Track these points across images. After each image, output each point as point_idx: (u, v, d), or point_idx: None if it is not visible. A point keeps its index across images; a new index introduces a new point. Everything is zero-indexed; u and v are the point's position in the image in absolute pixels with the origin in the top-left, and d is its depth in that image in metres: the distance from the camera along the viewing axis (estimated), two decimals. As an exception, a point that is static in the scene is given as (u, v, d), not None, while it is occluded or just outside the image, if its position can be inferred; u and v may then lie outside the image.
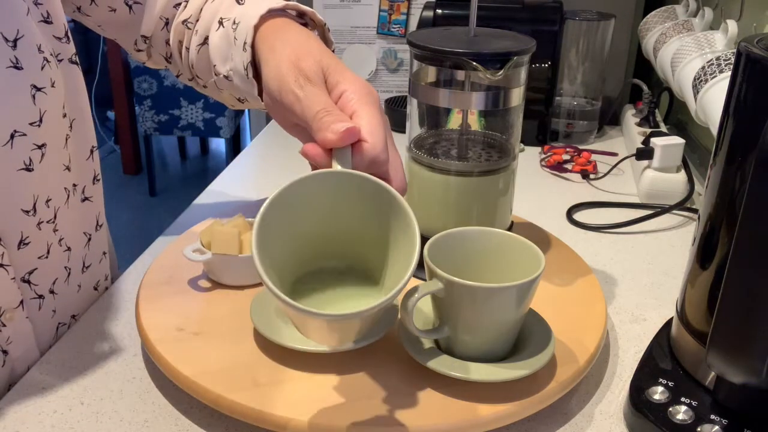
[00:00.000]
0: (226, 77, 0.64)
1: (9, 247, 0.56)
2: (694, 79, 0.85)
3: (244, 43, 0.60)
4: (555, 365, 0.56)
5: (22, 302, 0.58)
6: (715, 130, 0.68)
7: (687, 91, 0.90)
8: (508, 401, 0.52)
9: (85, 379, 0.58)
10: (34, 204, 0.58)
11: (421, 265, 0.54)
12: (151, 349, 0.58)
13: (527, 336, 0.57)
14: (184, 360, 0.56)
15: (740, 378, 0.48)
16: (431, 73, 0.66)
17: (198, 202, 0.93)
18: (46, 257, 0.60)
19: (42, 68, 0.56)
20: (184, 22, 0.70)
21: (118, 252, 0.81)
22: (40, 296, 0.61)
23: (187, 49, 0.71)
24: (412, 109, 0.69)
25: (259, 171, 1.06)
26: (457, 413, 0.51)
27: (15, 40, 0.54)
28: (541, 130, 1.15)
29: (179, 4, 0.72)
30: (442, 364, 0.53)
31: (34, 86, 0.55)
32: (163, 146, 4.18)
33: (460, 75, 0.64)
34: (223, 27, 0.64)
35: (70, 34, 0.62)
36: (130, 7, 0.71)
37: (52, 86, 0.57)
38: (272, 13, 0.61)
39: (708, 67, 0.82)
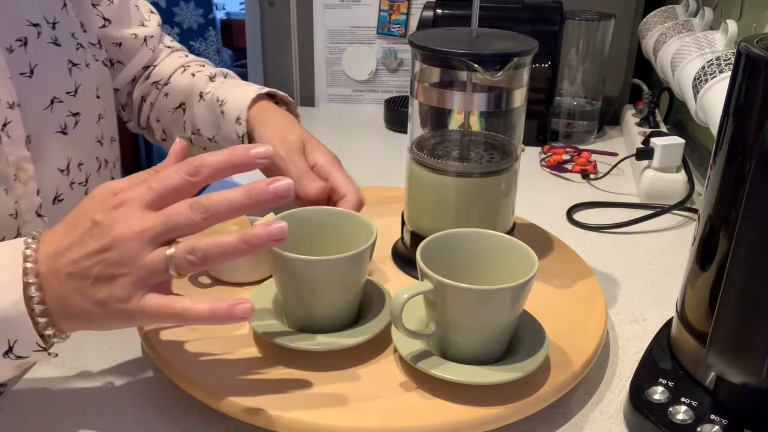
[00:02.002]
0: (210, 139, 0.82)
1: (45, 200, 0.66)
2: (694, 79, 0.85)
3: (238, 118, 0.77)
4: (550, 368, 0.56)
5: None
6: (715, 130, 0.68)
7: (687, 91, 0.90)
8: (501, 404, 0.52)
9: (85, 378, 0.58)
10: (68, 165, 0.68)
11: (415, 265, 0.54)
12: (148, 345, 0.58)
13: (521, 338, 0.56)
14: (179, 355, 0.56)
15: (740, 378, 0.48)
16: (433, 73, 0.66)
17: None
18: None
19: (77, 49, 0.68)
20: (154, 83, 0.87)
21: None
22: None
23: (152, 104, 0.88)
24: (414, 109, 0.69)
25: (259, 171, 1.06)
26: (450, 415, 0.51)
27: (53, 23, 0.65)
28: (541, 130, 1.15)
29: (148, 67, 0.88)
30: (433, 365, 0.53)
31: (71, 61, 0.66)
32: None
33: (462, 76, 0.64)
34: (205, 100, 0.82)
35: (102, 43, 0.76)
36: (112, 64, 0.84)
37: (87, 66, 0.69)
38: (259, 97, 0.79)
39: (708, 67, 0.82)
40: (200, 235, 0.67)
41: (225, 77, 0.87)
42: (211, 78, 0.85)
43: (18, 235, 0.64)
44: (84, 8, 0.73)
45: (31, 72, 0.62)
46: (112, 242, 0.45)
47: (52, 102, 0.64)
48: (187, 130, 0.84)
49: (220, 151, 0.47)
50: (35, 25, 0.63)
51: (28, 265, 0.47)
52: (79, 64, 0.67)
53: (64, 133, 0.66)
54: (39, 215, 0.65)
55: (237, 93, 0.79)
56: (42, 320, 0.47)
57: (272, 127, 0.76)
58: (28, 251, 0.47)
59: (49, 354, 0.49)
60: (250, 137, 0.78)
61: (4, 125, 0.59)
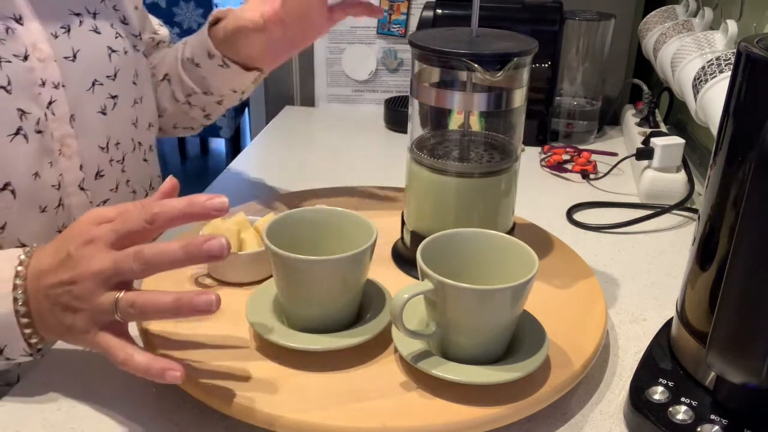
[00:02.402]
0: (200, 90, 0.84)
1: (88, 175, 0.71)
2: (694, 79, 0.85)
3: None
4: (550, 368, 0.56)
5: None
6: (715, 130, 0.68)
7: (687, 91, 0.90)
8: (501, 404, 0.52)
9: (85, 379, 0.58)
10: (107, 143, 0.73)
11: (415, 265, 0.54)
12: (148, 345, 0.58)
13: (521, 338, 0.56)
14: (179, 356, 0.56)
15: (740, 378, 0.48)
16: (433, 73, 0.66)
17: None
18: (115, 191, 0.75)
19: (115, 38, 0.73)
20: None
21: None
22: None
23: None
24: (414, 109, 0.69)
25: (259, 171, 1.06)
26: (450, 415, 0.51)
27: (94, 14, 0.71)
28: (541, 130, 1.15)
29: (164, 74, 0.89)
30: (433, 365, 0.53)
31: (110, 48, 0.72)
32: (163, 146, 4.18)
33: (462, 76, 0.64)
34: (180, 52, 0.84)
35: (142, 36, 0.81)
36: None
37: (125, 53, 0.74)
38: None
39: (708, 67, 0.82)
40: (202, 233, 0.68)
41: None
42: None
43: (60, 205, 0.68)
44: (125, 3, 0.79)
45: (74, 56, 0.67)
46: (76, 277, 0.51)
47: (93, 84, 0.69)
48: (179, 94, 0.86)
49: (179, 199, 0.52)
50: (77, 14, 0.69)
51: (18, 281, 0.52)
52: (117, 51, 0.73)
53: (103, 113, 0.71)
54: (81, 188, 0.70)
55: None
56: (27, 331, 0.53)
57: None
58: (20, 268, 0.53)
59: (35, 357, 0.55)
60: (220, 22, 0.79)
61: (50, 103, 0.64)
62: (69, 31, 0.66)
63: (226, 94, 0.85)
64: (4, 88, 0.58)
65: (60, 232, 0.63)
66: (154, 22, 0.92)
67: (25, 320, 0.52)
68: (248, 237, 0.67)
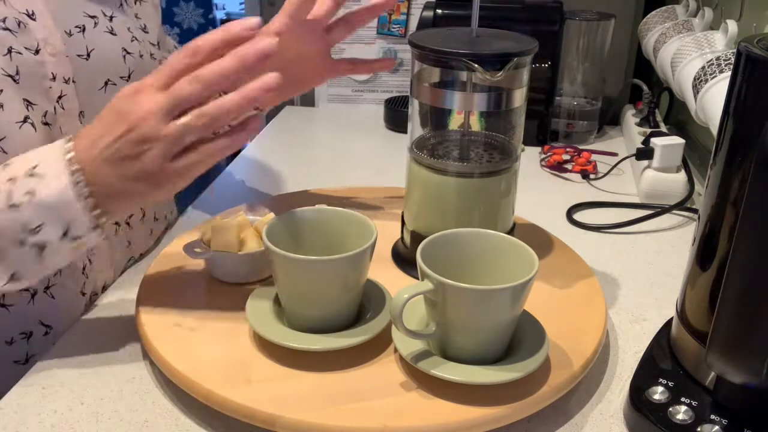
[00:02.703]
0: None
1: None
2: (694, 79, 0.85)
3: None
4: (550, 368, 0.56)
5: None
6: (715, 130, 0.68)
7: (687, 91, 0.90)
8: (501, 404, 0.52)
9: (85, 379, 0.58)
10: None
11: (415, 265, 0.54)
12: (148, 344, 0.58)
13: (521, 338, 0.56)
14: (179, 355, 0.56)
15: (740, 378, 0.48)
16: (433, 73, 0.66)
17: (199, 202, 0.93)
18: None
19: (131, 41, 0.72)
20: None
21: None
22: (117, 223, 0.72)
23: None
24: (414, 109, 0.69)
25: (259, 171, 1.06)
26: (450, 415, 0.51)
27: (111, 17, 0.70)
28: (541, 130, 1.15)
29: None
30: (433, 365, 0.53)
31: (125, 50, 0.71)
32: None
33: (462, 76, 0.64)
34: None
35: (160, 45, 0.80)
36: None
37: (140, 56, 0.73)
38: None
39: (708, 67, 0.82)
40: (202, 233, 0.68)
41: None
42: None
43: None
44: (149, 12, 0.78)
45: (88, 55, 0.67)
46: (132, 124, 0.52)
47: (106, 84, 0.69)
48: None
49: (214, 30, 0.54)
50: (92, 16, 0.68)
51: (70, 155, 0.54)
52: (133, 53, 0.72)
53: None
54: None
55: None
56: (89, 202, 0.54)
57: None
58: (67, 145, 0.55)
59: (102, 232, 0.56)
60: None
61: (60, 98, 0.64)
62: (84, 30, 0.67)
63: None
64: (11, 77, 0.59)
65: None
66: (170, 43, 0.92)
67: (86, 191, 0.53)
68: (248, 237, 0.67)
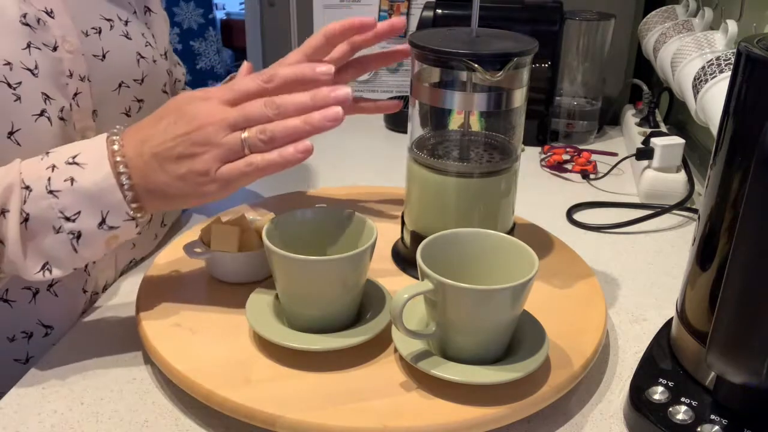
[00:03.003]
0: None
1: None
2: (694, 79, 0.85)
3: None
4: (550, 368, 0.56)
5: None
6: (715, 130, 0.68)
7: (687, 91, 0.90)
8: (501, 404, 0.52)
9: (85, 379, 0.58)
10: None
11: (415, 265, 0.54)
12: (148, 344, 0.58)
13: (521, 338, 0.56)
14: (178, 355, 0.56)
15: (740, 378, 0.48)
16: (433, 73, 0.66)
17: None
18: None
19: (145, 45, 0.74)
20: None
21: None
22: None
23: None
24: (414, 110, 0.69)
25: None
26: (450, 415, 0.51)
27: (126, 21, 0.72)
28: (541, 130, 1.15)
29: None
30: (433, 365, 0.53)
31: (139, 54, 0.73)
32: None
33: (462, 76, 0.64)
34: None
35: (167, 56, 0.81)
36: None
37: (154, 62, 0.75)
38: None
39: (708, 67, 0.82)
40: (202, 233, 0.68)
41: None
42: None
43: None
44: (159, 24, 0.80)
45: (103, 56, 0.68)
46: (197, 126, 0.54)
47: (119, 85, 0.70)
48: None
49: (289, 65, 0.59)
50: (108, 19, 0.70)
51: (115, 147, 0.55)
52: (146, 57, 0.74)
53: (127, 115, 0.72)
54: None
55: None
56: (129, 194, 0.55)
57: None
58: (113, 137, 0.56)
59: (137, 225, 0.56)
60: None
61: (75, 95, 0.65)
62: (100, 32, 0.68)
63: None
64: (30, 70, 0.60)
65: None
66: (174, 58, 0.93)
67: (128, 182, 0.55)
68: (248, 237, 0.67)
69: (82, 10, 0.67)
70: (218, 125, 0.54)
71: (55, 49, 0.62)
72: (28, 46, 0.60)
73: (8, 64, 0.58)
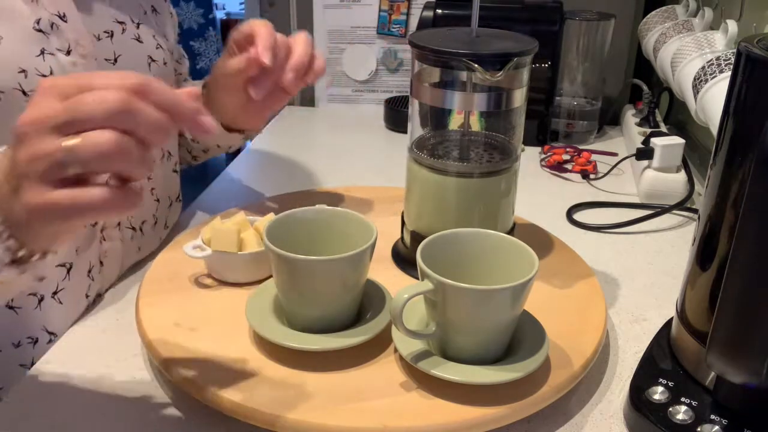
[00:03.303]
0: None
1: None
2: (694, 79, 0.85)
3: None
4: (550, 368, 0.56)
5: (119, 224, 0.71)
6: (715, 130, 0.68)
7: (687, 91, 0.90)
8: (501, 404, 0.52)
9: (85, 378, 0.58)
10: None
11: (415, 265, 0.54)
12: (148, 344, 0.58)
13: (521, 338, 0.56)
14: (178, 355, 0.56)
15: (740, 378, 0.48)
16: (433, 73, 0.66)
17: (198, 202, 0.93)
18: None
19: (156, 48, 0.75)
20: None
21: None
22: (132, 227, 0.74)
23: None
24: (414, 109, 0.69)
25: (259, 171, 1.06)
26: (450, 415, 0.51)
27: (138, 24, 0.73)
28: (541, 130, 1.15)
29: None
30: (433, 365, 0.53)
31: (150, 57, 0.74)
32: (163, 146, 4.17)
33: (462, 76, 0.64)
34: None
35: (177, 60, 0.83)
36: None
37: (164, 64, 0.76)
38: None
39: (708, 67, 0.82)
40: (202, 233, 0.68)
41: None
42: None
43: None
44: (164, 21, 0.80)
45: (115, 60, 0.69)
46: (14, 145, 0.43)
47: None
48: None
49: (171, 90, 0.45)
50: (120, 22, 0.70)
51: None
52: (157, 60, 0.75)
53: None
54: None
55: None
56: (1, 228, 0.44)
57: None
58: None
59: (25, 268, 0.46)
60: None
61: None
62: (112, 36, 0.69)
63: (211, 147, 0.90)
64: (45, 77, 0.60)
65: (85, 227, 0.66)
66: (179, 51, 0.93)
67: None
68: (248, 237, 0.67)
69: (94, 12, 0.67)
70: (35, 128, 0.40)
71: (68, 53, 0.63)
72: (42, 52, 0.60)
73: (23, 71, 0.59)
